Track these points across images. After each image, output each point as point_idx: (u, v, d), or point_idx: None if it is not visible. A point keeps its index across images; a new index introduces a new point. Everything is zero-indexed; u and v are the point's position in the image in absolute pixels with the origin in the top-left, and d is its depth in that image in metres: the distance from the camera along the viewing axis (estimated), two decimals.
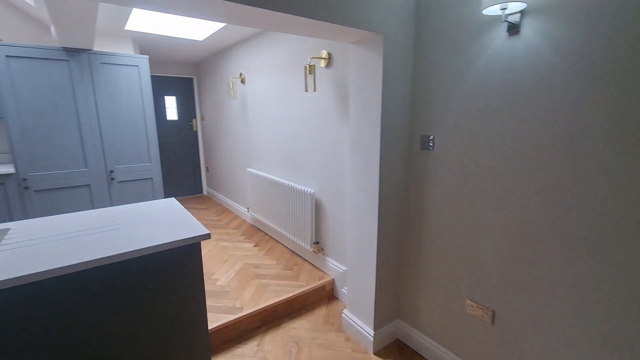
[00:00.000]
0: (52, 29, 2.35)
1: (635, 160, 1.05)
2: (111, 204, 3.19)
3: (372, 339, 1.90)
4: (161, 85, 4.89)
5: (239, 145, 4.03)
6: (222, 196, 4.83)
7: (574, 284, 1.24)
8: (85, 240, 1.31)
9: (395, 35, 1.62)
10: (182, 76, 5.03)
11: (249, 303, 2.22)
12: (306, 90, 2.39)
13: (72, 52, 2.79)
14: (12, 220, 2.78)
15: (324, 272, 2.67)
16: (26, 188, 2.75)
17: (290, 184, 2.89)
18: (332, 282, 2.52)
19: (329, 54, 2.33)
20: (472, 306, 1.60)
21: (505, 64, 1.34)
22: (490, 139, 1.43)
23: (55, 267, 1.08)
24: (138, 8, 1.19)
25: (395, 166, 1.78)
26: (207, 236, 1.38)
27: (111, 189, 3.16)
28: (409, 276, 1.93)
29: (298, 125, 2.83)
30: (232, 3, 1.15)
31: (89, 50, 2.87)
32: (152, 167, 3.36)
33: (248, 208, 3.81)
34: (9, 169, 2.72)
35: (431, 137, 1.68)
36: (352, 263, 2.01)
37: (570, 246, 1.23)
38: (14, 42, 3.07)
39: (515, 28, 1.29)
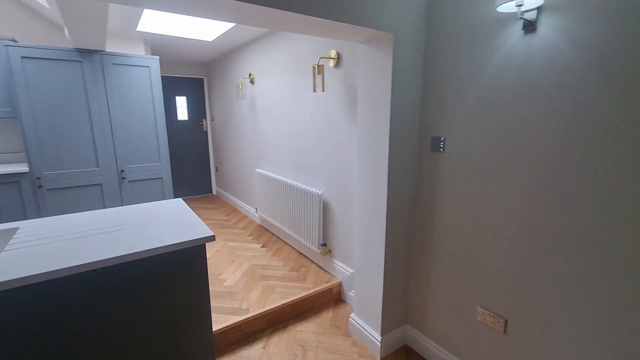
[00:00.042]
0: (66, 30, 2.39)
1: None
2: (122, 203, 3.23)
3: (380, 344, 1.86)
4: (172, 86, 4.94)
5: (247, 146, 4.04)
6: (231, 196, 4.85)
7: (592, 293, 1.18)
8: (89, 241, 1.31)
9: (406, 33, 1.58)
10: (192, 77, 5.07)
11: (255, 305, 2.21)
12: (314, 91, 2.37)
13: (85, 53, 2.83)
14: (26, 218, 2.84)
15: (331, 275, 2.64)
16: (40, 187, 2.81)
17: (298, 184, 2.87)
18: (340, 284, 2.49)
19: (338, 54, 2.30)
20: (483, 314, 1.55)
21: (521, 63, 1.29)
22: (504, 141, 1.38)
23: (55, 268, 1.08)
24: (148, 8, 1.18)
25: (404, 168, 1.74)
26: (211, 238, 1.37)
27: (122, 188, 3.20)
28: (418, 281, 1.88)
29: (306, 125, 2.80)
30: (243, 3, 1.13)
31: (101, 51, 2.91)
32: (162, 166, 3.39)
33: (256, 208, 3.81)
34: (24, 168, 2.78)
35: (442, 139, 1.64)
36: (360, 266, 1.97)
37: (590, 254, 1.17)
38: (30, 43, 3.15)
39: (532, 25, 1.23)
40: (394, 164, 1.69)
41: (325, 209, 2.67)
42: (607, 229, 1.12)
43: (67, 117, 2.85)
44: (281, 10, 1.22)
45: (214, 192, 5.56)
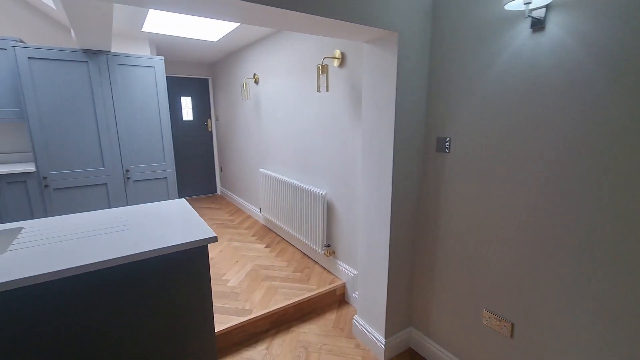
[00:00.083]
0: (72, 31, 2.40)
1: None
2: (127, 203, 3.25)
3: (383, 347, 1.84)
4: (178, 86, 4.96)
5: (252, 146, 4.04)
6: (235, 196, 4.86)
7: (602, 298, 1.15)
8: (92, 242, 1.31)
9: (411, 32, 1.56)
10: (197, 77, 5.09)
11: (259, 305, 2.20)
12: (319, 91, 2.36)
13: (91, 54, 2.85)
14: (33, 218, 2.87)
15: (335, 276, 2.62)
16: (46, 186, 2.83)
17: (302, 185, 2.86)
18: (343, 286, 2.47)
19: (342, 54, 2.29)
20: (489, 317, 1.52)
21: (528, 62, 1.26)
22: (511, 141, 1.36)
23: (58, 268, 1.08)
24: (153, 8, 1.18)
25: (409, 169, 1.72)
26: (214, 239, 1.36)
27: (127, 188, 3.22)
28: (423, 283, 1.86)
29: (310, 125, 2.79)
30: (248, 2, 1.13)
31: (107, 51, 2.93)
32: (167, 166, 3.40)
33: (260, 208, 3.81)
34: (30, 168, 2.80)
35: (447, 139, 1.61)
36: (363, 268, 1.95)
37: (600, 258, 1.14)
38: (37, 44, 3.17)
39: (540, 24, 1.21)
40: (399, 165, 1.67)
41: (329, 210, 2.65)
42: (616, 230, 1.09)
43: (73, 118, 2.87)
44: (286, 10, 1.21)
45: (219, 192, 5.57)
